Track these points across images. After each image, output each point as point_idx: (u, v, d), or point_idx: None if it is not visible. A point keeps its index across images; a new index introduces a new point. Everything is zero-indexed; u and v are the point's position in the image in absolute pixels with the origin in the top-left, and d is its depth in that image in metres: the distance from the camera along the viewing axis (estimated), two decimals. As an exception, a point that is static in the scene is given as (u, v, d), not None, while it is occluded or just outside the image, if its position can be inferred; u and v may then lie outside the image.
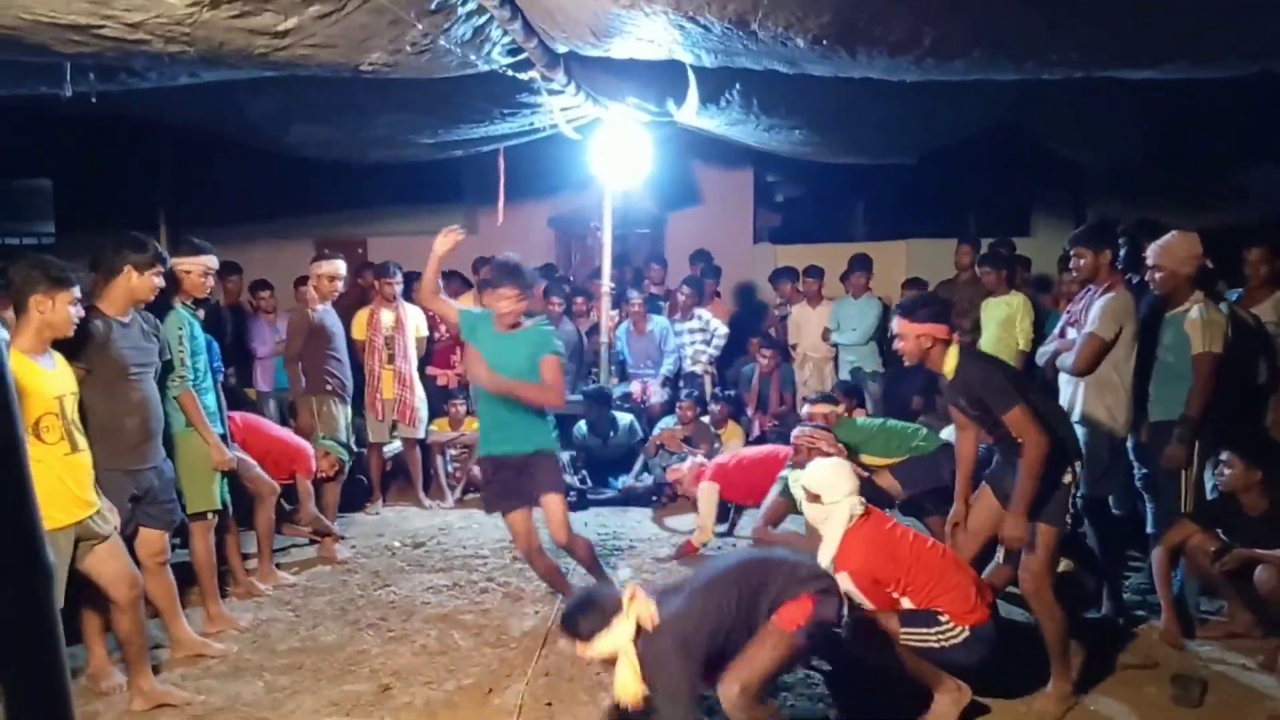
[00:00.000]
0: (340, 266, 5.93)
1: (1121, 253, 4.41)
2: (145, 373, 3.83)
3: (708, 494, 5.59)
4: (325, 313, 5.97)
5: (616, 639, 2.65)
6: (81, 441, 3.37)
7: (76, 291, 3.34)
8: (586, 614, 2.72)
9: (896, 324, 3.62)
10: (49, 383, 3.26)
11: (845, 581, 3.32)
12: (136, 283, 3.78)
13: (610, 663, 2.69)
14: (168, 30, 2.82)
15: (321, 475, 5.61)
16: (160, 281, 3.87)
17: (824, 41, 3.51)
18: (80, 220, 6.86)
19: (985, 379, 3.48)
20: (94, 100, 3.71)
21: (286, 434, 5.60)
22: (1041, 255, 8.03)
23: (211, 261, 4.39)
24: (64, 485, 3.26)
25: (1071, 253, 4.31)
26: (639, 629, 2.66)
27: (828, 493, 3.58)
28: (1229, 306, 4.32)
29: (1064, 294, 6.08)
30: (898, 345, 3.67)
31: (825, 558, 3.47)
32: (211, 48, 3.07)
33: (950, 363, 3.55)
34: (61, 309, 3.29)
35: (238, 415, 5.23)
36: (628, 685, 2.62)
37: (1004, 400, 3.40)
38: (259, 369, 7.36)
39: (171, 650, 4.11)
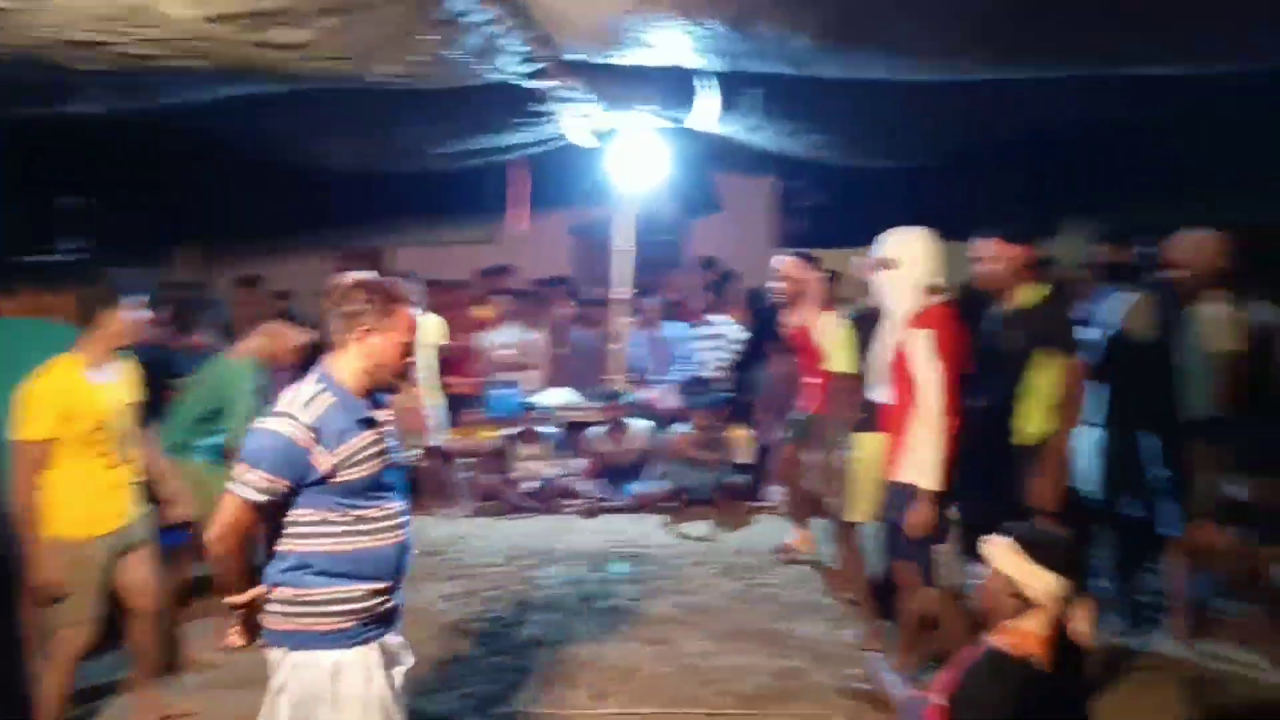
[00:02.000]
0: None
1: (1140, 251, 4.37)
2: None
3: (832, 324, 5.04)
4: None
5: (1049, 591, 2.18)
6: (132, 453, 3.46)
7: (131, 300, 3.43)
8: (1047, 551, 2.22)
9: (979, 245, 3.60)
10: (98, 396, 3.31)
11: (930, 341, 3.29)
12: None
13: (1011, 594, 2.21)
14: (179, 46, 2.88)
15: None
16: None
17: (826, 41, 3.51)
18: (109, 237, 7.03)
19: (1064, 320, 3.58)
20: (109, 115, 3.78)
21: None
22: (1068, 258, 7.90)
23: None
24: (104, 496, 3.36)
25: (1091, 251, 4.28)
26: (1063, 627, 2.20)
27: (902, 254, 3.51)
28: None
29: (1081, 294, 6.02)
30: (978, 268, 3.62)
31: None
32: (224, 62, 3.14)
33: (1031, 294, 3.56)
34: (125, 319, 3.38)
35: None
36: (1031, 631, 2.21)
37: (1071, 345, 3.48)
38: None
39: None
